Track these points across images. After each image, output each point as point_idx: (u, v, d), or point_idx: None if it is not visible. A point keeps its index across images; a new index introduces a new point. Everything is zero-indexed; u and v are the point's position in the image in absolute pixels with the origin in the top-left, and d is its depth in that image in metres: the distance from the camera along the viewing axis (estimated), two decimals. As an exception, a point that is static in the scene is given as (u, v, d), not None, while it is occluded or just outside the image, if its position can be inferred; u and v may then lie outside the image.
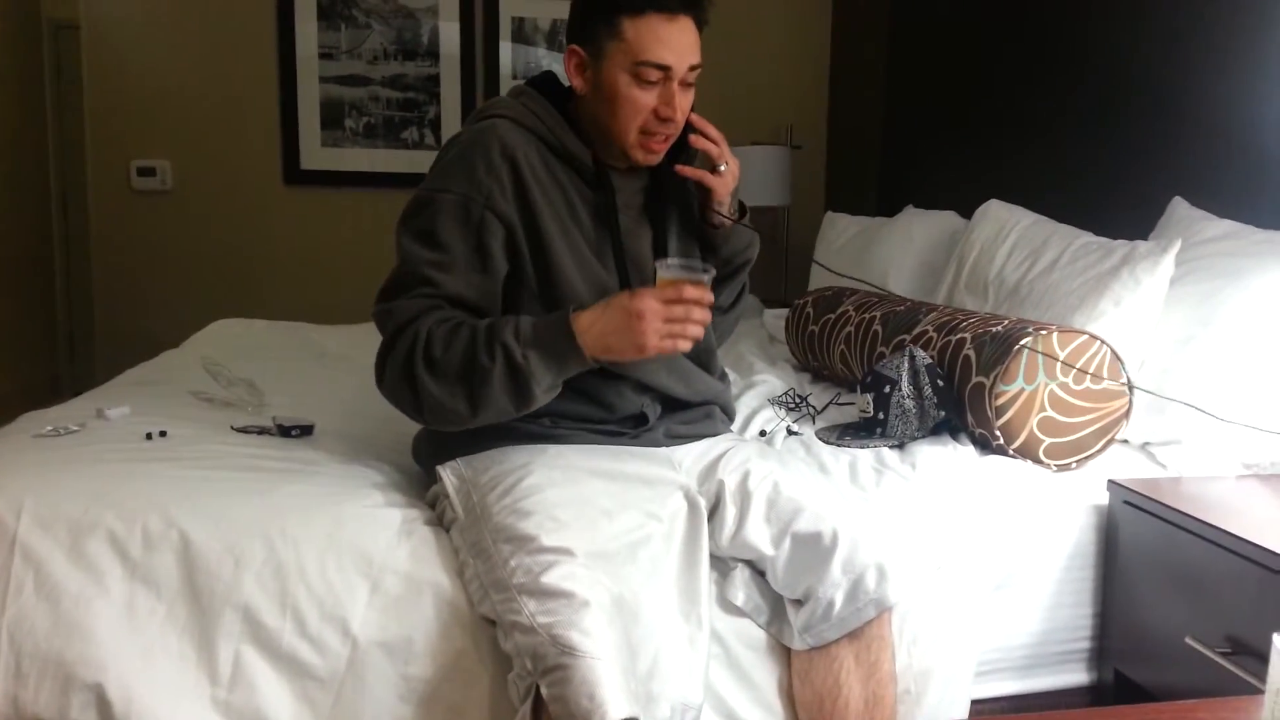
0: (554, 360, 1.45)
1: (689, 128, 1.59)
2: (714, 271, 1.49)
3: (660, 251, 1.63)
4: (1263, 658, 1.37)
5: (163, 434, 1.77)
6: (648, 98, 1.53)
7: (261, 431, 1.86)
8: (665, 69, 1.51)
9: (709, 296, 1.45)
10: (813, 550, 1.46)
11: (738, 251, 1.71)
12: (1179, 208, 2.19)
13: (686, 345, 1.46)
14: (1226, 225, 2.04)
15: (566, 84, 1.62)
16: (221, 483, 1.57)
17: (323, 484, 1.60)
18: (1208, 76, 2.26)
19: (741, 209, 1.70)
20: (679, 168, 1.60)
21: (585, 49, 1.55)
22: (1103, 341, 1.83)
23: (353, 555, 1.46)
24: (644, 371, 1.61)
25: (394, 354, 1.49)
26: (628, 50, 1.51)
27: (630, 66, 1.51)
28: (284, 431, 1.86)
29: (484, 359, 1.44)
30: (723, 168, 1.60)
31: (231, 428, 1.87)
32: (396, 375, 1.49)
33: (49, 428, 1.78)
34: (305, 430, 1.87)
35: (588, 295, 1.54)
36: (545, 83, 1.65)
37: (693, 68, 1.55)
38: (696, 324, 1.44)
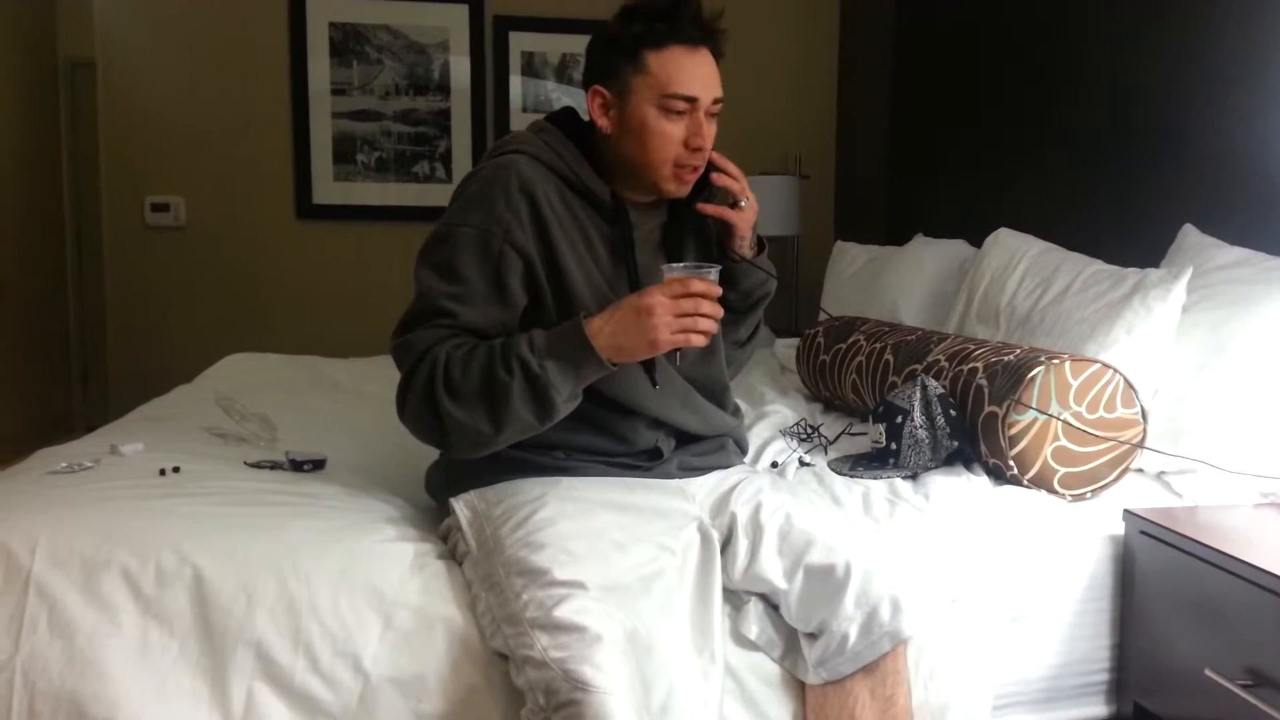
0: (571, 366, 1.45)
1: (710, 166, 1.60)
2: (720, 267, 1.50)
3: None
4: (1284, 690, 1.36)
5: (176, 470, 1.78)
6: (677, 129, 1.54)
7: (274, 466, 1.86)
8: (692, 100, 1.54)
9: (716, 290, 1.46)
10: (826, 583, 1.45)
11: (756, 286, 1.72)
12: (1189, 235, 2.18)
13: (700, 340, 1.46)
14: (1237, 253, 2.04)
15: (586, 119, 1.63)
16: (234, 518, 1.57)
17: (335, 519, 1.60)
18: (1216, 104, 2.27)
19: (760, 244, 1.71)
20: (700, 205, 1.61)
21: (609, 88, 1.56)
22: (1116, 370, 1.82)
23: (365, 590, 1.46)
24: (658, 408, 1.61)
25: (414, 383, 1.49)
26: (654, 84, 1.53)
27: (657, 100, 1.53)
28: (296, 466, 1.86)
29: (502, 374, 1.44)
30: (744, 203, 1.62)
31: (244, 463, 1.87)
32: (418, 403, 1.48)
33: (63, 464, 1.78)
34: (317, 464, 1.88)
35: None
36: (565, 118, 1.67)
37: (716, 100, 1.57)
38: (706, 317, 1.45)
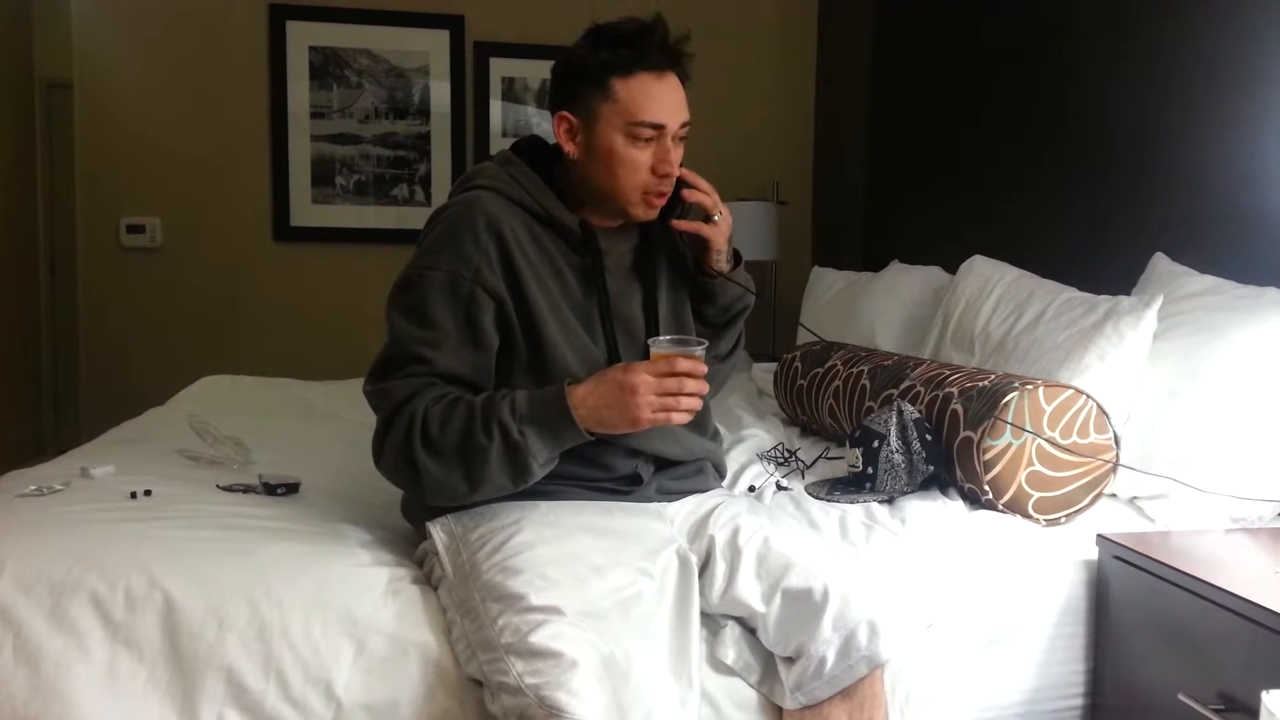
0: (551, 435, 1.46)
1: (680, 184, 1.61)
2: (706, 344, 1.51)
3: (651, 309, 1.64)
4: (1256, 714, 1.37)
5: (148, 493, 1.76)
6: (644, 156, 1.54)
7: (247, 489, 1.85)
8: (660, 127, 1.54)
9: (702, 369, 1.46)
10: (803, 606, 1.45)
11: (735, 299, 1.72)
12: (1160, 263, 2.21)
13: (683, 418, 1.47)
14: (1207, 280, 2.06)
15: (553, 143, 1.63)
16: (206, 542, 1.56)
17: (308, 543, 1.59)
18: (1187, 133, 2.31)
19: (736, 257, 1.71)
20: (674, 223, 1.62)
21: (575, 114, 1.56)
22: (1088, 396, 1.84)
23: (338, 616, 1.44)
24: (637, 436, 1.61)
25: (391, 435, 1.49)
26: (621, 111, 1.52)
27: (625, 127, 1.53)
28: (269, 489, 1.84)
29: (481, 438, 1.44)
30: (716, 217, 1.62)
31: (217, 486, 1.85)
32: (395, 455, 1.49)
33: (32, 487, 1.76)
34: (291, 488, 1.86)
35: (577, 367, 1.55)
36: (531, 146, 1.67)
37: (684, 124, 1.57)
38: (690, 397, 1.45)
